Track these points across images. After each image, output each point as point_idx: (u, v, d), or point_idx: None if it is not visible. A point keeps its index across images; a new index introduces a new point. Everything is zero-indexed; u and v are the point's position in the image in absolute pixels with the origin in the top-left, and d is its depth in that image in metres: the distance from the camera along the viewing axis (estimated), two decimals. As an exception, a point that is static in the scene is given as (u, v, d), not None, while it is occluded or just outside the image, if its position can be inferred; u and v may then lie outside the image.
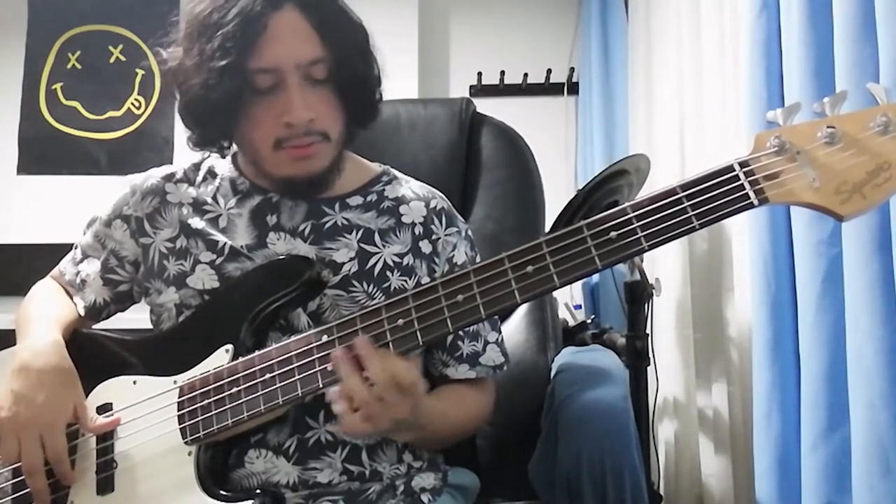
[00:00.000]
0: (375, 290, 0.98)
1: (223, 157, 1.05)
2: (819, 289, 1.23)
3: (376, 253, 1.00)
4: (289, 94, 0.91)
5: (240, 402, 0.88)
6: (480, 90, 3.01)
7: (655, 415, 2.03)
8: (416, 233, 1.03)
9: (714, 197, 0.74)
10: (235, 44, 0.88)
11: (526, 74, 3.00)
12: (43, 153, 2.78)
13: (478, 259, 1.09)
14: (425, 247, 1.03)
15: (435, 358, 1.04)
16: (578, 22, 3.02)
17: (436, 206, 1.07)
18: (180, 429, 0.90)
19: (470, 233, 1.11)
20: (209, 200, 1.03)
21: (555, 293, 1.53)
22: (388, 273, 0.99)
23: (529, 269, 0.79)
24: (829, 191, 0.71)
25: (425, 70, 2.88)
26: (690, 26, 2.03)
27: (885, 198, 0.70)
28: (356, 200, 1.04)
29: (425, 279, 1.01)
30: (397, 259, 1.00)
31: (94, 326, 1.09)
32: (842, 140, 0.71)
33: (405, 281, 1.00)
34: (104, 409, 0.95)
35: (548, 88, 3.03)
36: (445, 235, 1.05)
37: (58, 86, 2.81)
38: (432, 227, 1.05)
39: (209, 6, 0.91)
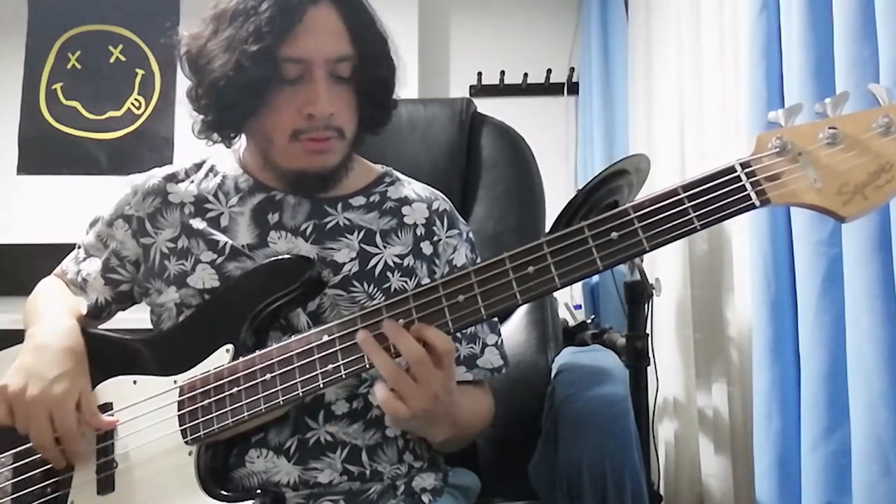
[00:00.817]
0: (376, 290, 0.98)
1: (228, 146, 1.05)
2: (819, 289, 1.23)
3: (377, 254, 1.00)
4: (315, 86, 0.92)
5: (240, 402, 0.87)
6: (480, 90, 3.01)
7: (655, 415, 2.03)
8: (418, 234, 1.04)
9: (716, 198, 0.74)
10: (272, 30, 0.90)
11: (526, 74, 3.00)
12: (43, 153, 2.78)
13: (478, 261, 1.08)
14: (426, 248, 1.04)
15: None
16: (578, 22, 3.02)
17: (438, 208, 1.07)
18: (181, 429, 0.90)
19: (471, 235, 1.11)
20: (210, 198, 1.04)
21: (555, 293, 1.53)
22: (389, 274, 0.99)
23: (531, 269, 0.79)
24: (831, 192, 0.71)
25: (425, 70, 2.88)
26: (690, 26, 2.03)
27: (886, 199, 0.70)
28: (359, 201, 1.04)
29: (425, 280, 1.01)
30: (398, 260, 1.01)
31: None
32: (843, 141, 0.71)
33: (405, 282, 1.00)
34: (104, 408, 0.95)
35: (548, 88, 3.03)
36: (447, 237, 1.06)
37: (58, 86, 2.81)
38: (434, 228, 1.05)
39: None
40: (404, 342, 0.80)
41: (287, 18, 0.90)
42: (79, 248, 1.11)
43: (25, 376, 0.91)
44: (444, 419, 0.88)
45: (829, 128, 0.72)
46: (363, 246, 1.00)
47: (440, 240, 1.05)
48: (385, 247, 1.01)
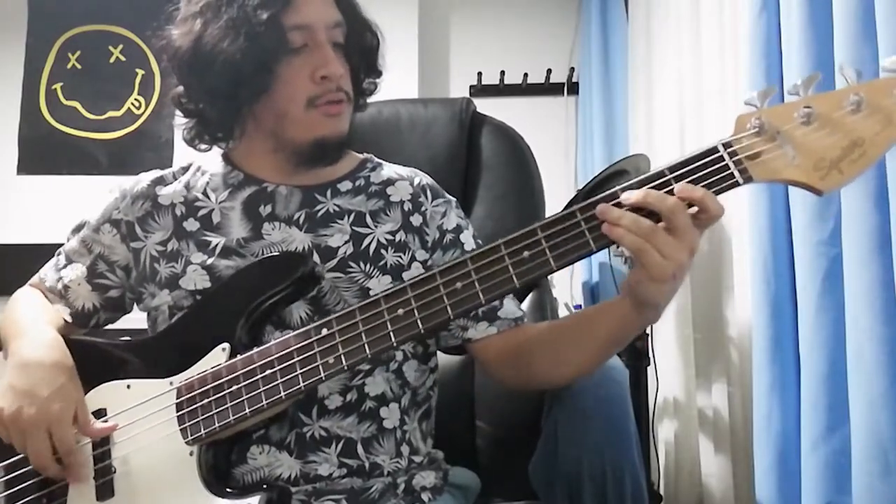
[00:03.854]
0: (372, 268, 0.99)
1: (223, 148, 1.06)
2: (819, 289, 1.23)
3: (369, 233, 1.01)
4: (323, 50, 0.96)
5: (241, 398, 0.87)
6: (480, 90, 3.02)
7: (655, 415, 2.04)
8: (406, 209, 1.05)
9: (701, 178, 0.77)
10: None
11: (526, 74, 3.00)
12: (43, 153, 2.78)
13: (470, 227, 1.10)
14: (416, 220, 1.04)
15: (453, 326, 1.03)
16: (578, 22, 3.03)
17: (420, 182, 1.09)
18: (181, 430, 0.89)
19: (458, 205, 1.11)
20: (200, 196, 1.04)
21: (555, 293, 1.54)
22: (383, 251, 1.00)
23: (526, 254, 0.80)
24: (809, 167, 0.74)
25: (425, 70, 2.88)
26: (690, 26, 2.03)
27: (860, 172, 0.73)
28: (346, 186, 1.05)
29: (419, 252, 1.02)
30: (390, 237, 1.01)
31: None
32: (818, 119, 0.74)
33: (400, 256, 1.01)
34: (98, 414, 0.94)
35: (548, 88, 3.04)
36: (433, 207, 1.07)
37: (58, 86, 2.81)
38: (420, 200, 1.06)
39: None
40: (653, 194, 0.76)
41: None
42: (59, 254, 1.09)
43: (18, 397, 0.89)
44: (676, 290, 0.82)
45: (804, 107, 0.75)
46: (355, 228, 1.01)
47: (427, 209, 1.06)
48: (376, 226, 1.02)
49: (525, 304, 1.37)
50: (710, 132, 1.90)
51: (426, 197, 1.07)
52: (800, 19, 1.26)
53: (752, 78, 1.43)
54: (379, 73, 1.08)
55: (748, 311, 1.57)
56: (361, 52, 1.03)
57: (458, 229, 1.07)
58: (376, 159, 1.12)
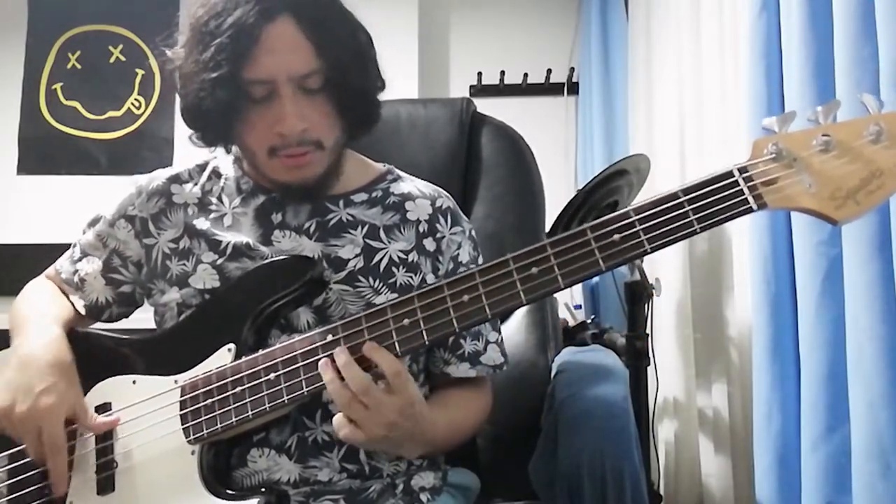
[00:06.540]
0: (381, 285, 0.98)
1: (228, 152, 1.06)
2: (819, 289, 1.23)
3: (382, 249, 1.00)
4: (281, 105, 0.91)
5: (244, 401, 0.88)
6: (480, 90, 3.02)
7: (655, 415, 2.04)
8: (421, 230, 1.04)
9: (715, 201, 0.76)
10: (227, 56, 0.88)
11: (526, 74, 3.00)
12: (43, 153, 2.78)
13: (480, 260, 1.09)
14: (429, 244, 1.04)
15: (437, 356, 1.04)
16: (578, 22, 3.03)
17: (441, 206, 1.07)
18: (183, 428, 0.90)
19: (474, 233, 1.11)
20: (214, 200, 1.04)
21: (555, 293, 1.53)
22: (394, 269, 1.00)
23: (534, 270, 0.80)
24: (825, 196, 0.73)
25: (425, 70, 2.88)
26: (690, 26, 2.03)
27: (876, 204, 0.73)
28: (360, 197, 1.04)
29: (430, 276, 1.02)
30: (402, 255, 1.01)
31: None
32: (836, 148, 0.73)
33: (411, 277, 1.00)
34: (103, 408, 0.95)
35: (548, 88, 3.04)
36: (451, 234, 1.06)
37: (58, 86, 2.81)
38: (437, 225, 1.05)
39: (207, 13, 0.91)
40: (349, 372, 0.81)
41: (243, 41, 0.88)
42: (74, 247, 1.10)
43: (13, 392, 0.90)
44: (411, 440, 0.87)
45: (823, 135, 0.74)
46: (367, 241, 1.00)
47: (444, 237, 1.05)
48: (389, 242, 1.01)
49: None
50: (710, 132, 1.90)
51: (444, 222, 1.06)
52: (800, 19, 1.26)
53: (752, 78, 1.43)
54: (375, 105, 1.01)
55: (748, 311, 1.57)
56: (347, 94, 0.95)
57: (468, 265, 1.06)
58: (398, 171, 1.11)
